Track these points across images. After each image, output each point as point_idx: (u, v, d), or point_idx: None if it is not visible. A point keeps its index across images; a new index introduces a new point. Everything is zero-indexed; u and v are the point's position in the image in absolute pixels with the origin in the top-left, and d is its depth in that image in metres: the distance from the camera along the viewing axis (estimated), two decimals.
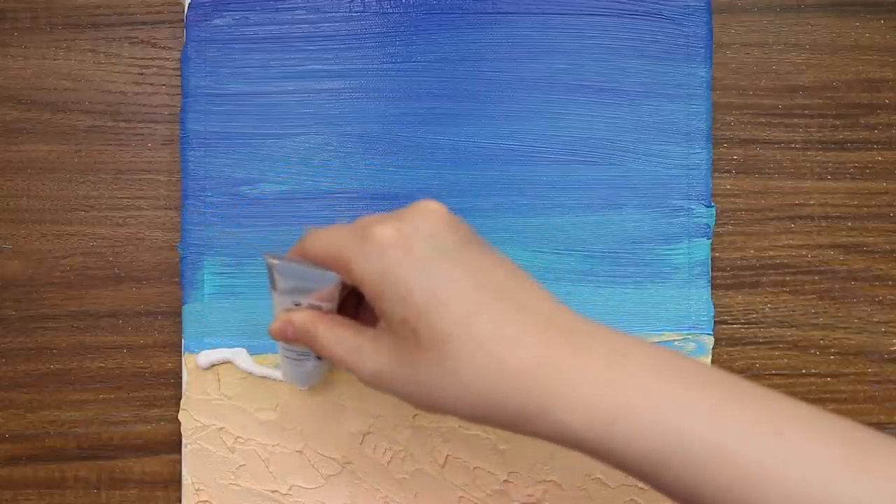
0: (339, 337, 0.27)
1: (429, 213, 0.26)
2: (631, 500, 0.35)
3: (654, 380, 0.23)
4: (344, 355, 0.27)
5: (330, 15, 0.37)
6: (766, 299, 0.38)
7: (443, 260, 0.25)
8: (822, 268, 0.38)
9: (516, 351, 0.24)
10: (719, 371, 0.25)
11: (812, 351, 0.38)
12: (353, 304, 0.30)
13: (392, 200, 0.36)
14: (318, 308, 0.29)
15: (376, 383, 0.26)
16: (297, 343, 0.29)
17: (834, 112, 0.38)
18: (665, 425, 0.23)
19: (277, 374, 0.36)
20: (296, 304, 0.29)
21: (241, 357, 0.36)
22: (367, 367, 0.26)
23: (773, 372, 0.38)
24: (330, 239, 0.27)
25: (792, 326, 0.38)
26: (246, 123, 0.37)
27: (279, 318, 0.29)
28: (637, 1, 0.36)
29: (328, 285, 0.28)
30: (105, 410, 0.38)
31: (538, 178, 0.36)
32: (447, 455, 0.36)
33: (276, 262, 0.28)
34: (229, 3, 0.37)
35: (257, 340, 0.36)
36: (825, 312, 0.38)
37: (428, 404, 0.25)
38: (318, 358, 0.31)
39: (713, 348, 0.36)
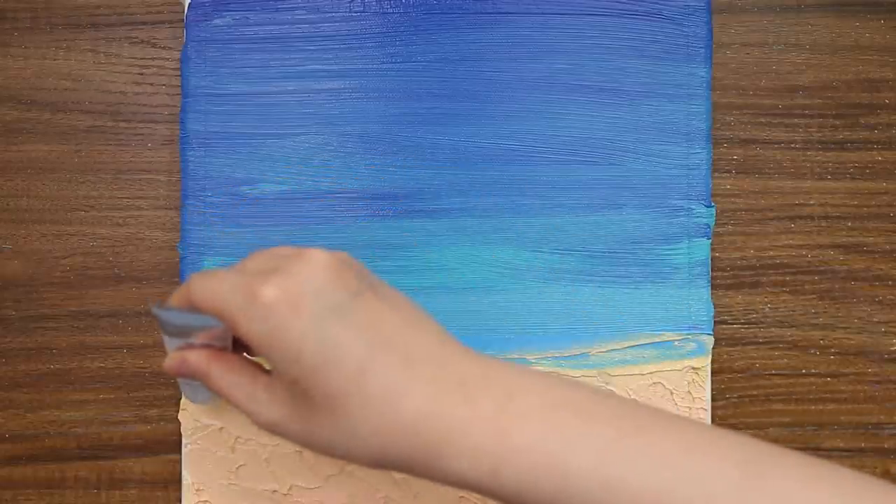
0: (233, 382, 0.27)
1: (315, 266, 0.25)
2: None
3: (543, 422, 0.23)
4: (238, 400, 0.27)
5: (330, 15, 0.37)
6: (766, 299, 0.38)
7: (331, 317, 0.24)
8: (822, 268, 0.38)
9: (407, 404, 0.24)
10: (621, 401, 0.25)
11: (812, 351, 0.38)
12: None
13: (392, 200, 0.36)
14: (211, 346, 0.28)
15: (271, 432, 0.26)
16: (193, 379, 0.29)
17: (834, 112, 0.38)
18: (552, 468, 0.23)
19: None
20: (189, 343, 0.28)
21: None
22: (262, 417, 0.26)
23: (773, 372, 0.38)
24: (214, 292, 0.26)
25: (792, 326, 0.38)
26: (246, 123, 0.37)
27: (173, 356, 0.28)
28: (637, 1, 0.36)
29: (217, 328, 0.27)
30: (105, 410, 0.38)
31: (538, 178, 0.36)
32: None
33: (160, 311, 0.27)
34: (229, 3, 0.37)
35: None
36: (825, 312, 0.38)
37: (325, 453, 0.26)
38: None
39: (713, 348, 0.36)
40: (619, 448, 0.23)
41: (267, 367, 0.27)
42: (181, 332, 0.28)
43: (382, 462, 0.24)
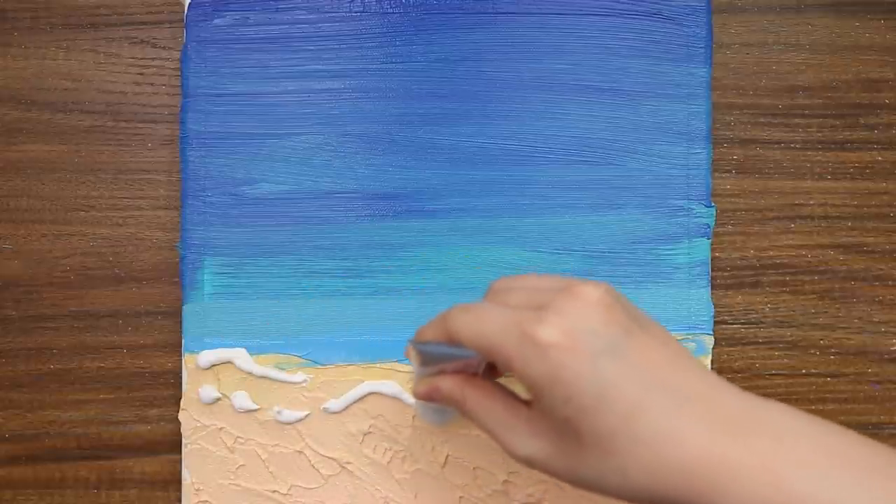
0: (490, 410, 0.27)
1: (588, 304, 0.25)
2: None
3: (819, 470, 0.23)
4: (494, 430, 0.27)
5: (330, 15, 0.37)
6: (766, 299, 0.38)
7: (607, 357, 0.24)
8: (822, 268, 0.38)
9: (680, 447, 0.23)
10: (886, 450, 0.24)
11: (812, 351, 0.38)
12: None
13: (392, 200, 0.36)
14: (463, 372, 0.28)
15: (528, 465, 0.26)
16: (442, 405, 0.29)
17: (834, 112, 0.38)
18: None
19: (277, 373, 0.36)
20: (440, 369, 0.28)
21: (241, 357, 0.36)
22: (520, 449, 0.26)
23: (773, 372, 0.38)
24: (483, 329, 0.26)
25: (792, 326, 0.38)
26: (246, 123, 0.37)
27: (425, 381, 0.28)
28: (637, 1, 0.36)
29: (473, 358, 0.27)
30: (105, 410, 0.38)
31: (538, 178, 0.36)
32: (447, 455, 0.36)
33: (423, 347, 0.27)
34: (229, 3, 0.37)
35: (257, 340, 0.36)
36: (825, 312, 0.38)
37: (588, 489, 0.25)
38: None
39: (713, 348, 0.36)
40: (891, 501, 0.22)
41: (524, 395, 0.27)
42: (434, 361, 0.28)
43: (651, 500, 0.24)
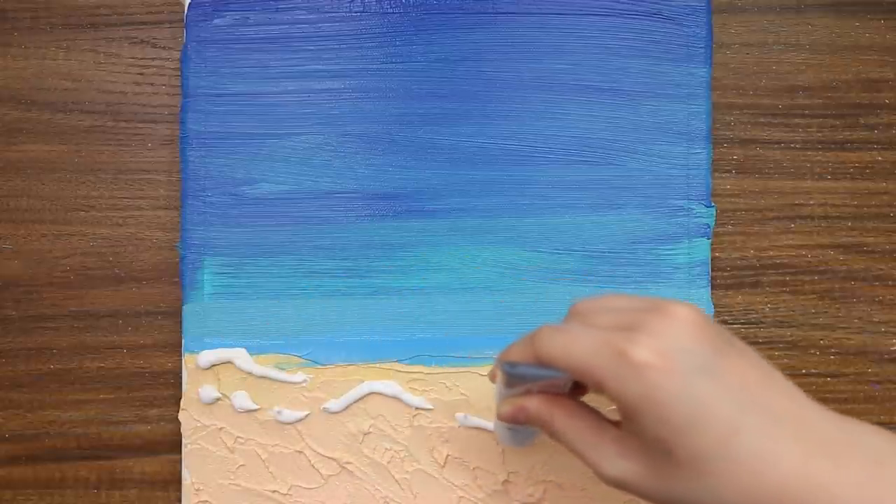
0: (578, 430, 0.27)
1: (681, 324, 0.25)
2: (630, 500, 0.35)
3: None
4: (583, 450, 0.27)
5: (330, 15, 0.37)
6: (766, 299, 0.38)
7: (702, 377, 0.24)
8: (822, 268, 0.38)
9: (776, 468, 0.23)
10: None
11: (812, 351, 0.38)
12: None
13: (392, 200, 0.36)
14: (548, 392, 0.28)
15: (617, 486, 0.26)
16: (526, 426, 0.29)
17: (834, 112, 0.38)
18: None
19: (277, 373, 0.36)
20: (526, 389, 0.28)
21: (241, 357, 0.36)
22: (610, 470, 0.26)
23: None
24: (575, 350, 0.26)
25: (792, 326, 0.38)
26: (246, 123, 0.37)
27: (510, 402, 0.28)
28: (637, 1, 0.36)
29: (560, 378, 0.27)
30: (105, 410, 0.38)
31: (538, 178, 0.36)
32: (447, 455, 0.36)
33: (513, 369, 0.27)
34: (229, 3, 0.37)
35: (257, 340, 0.36)
36: (825, 312, 0.38)
37: None
38: None
39: None
40: None
41: (611, 416, 0.27)
42: (521, 382, 0.28)
43: None
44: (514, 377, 0.27)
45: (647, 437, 0.25)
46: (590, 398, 0.29)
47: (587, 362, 0.25)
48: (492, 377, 0.30)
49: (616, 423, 0.27)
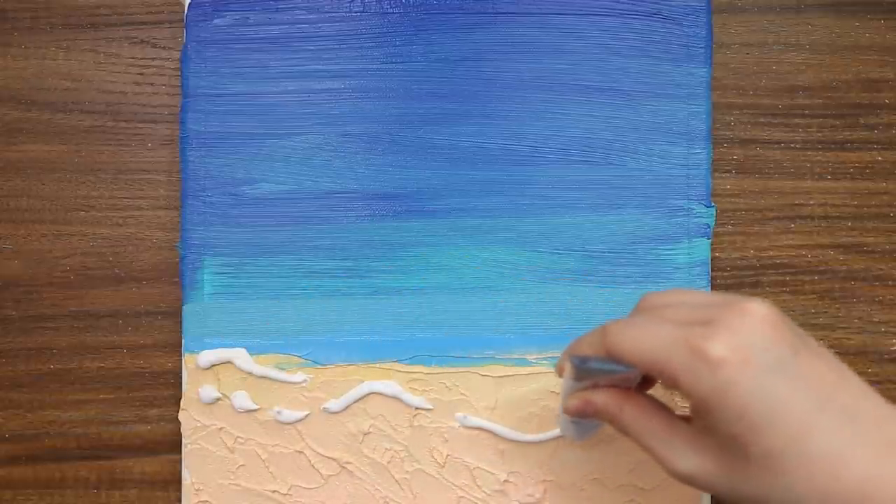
0: (648, 425, 0.27)
1: (757, 321, 0.25)
2: (631, 500, 0.35)
3: None
4: (653, 445, 0.27)
5: (330, 15, 0.37)
6: (767, 299, 0.38)
7: (778, 375, 0.24)
8: (822, 268, 0.38)
9: (851, 468, 0.23)
10: None
11: None
12: None
13: (392, 200, 0.36)
14: (618, 386, 0.28)
15: (687, 481, 0.26)
16: (592, 420, 0.29)
17: (834, 112, 0.38)
18: None
19: (277, 373, 0.36)
20: (594, 384, 0.28)
21: (241, 357, 0.36)
22: (681, 466, 0.26)
23: None
24: (647, 344, 0.25)
25: None
26: (246, 123, 0.37)
27: (578, 396, 0.28)
28: (637, 1, 0.36)
29: (629, 373, 0.27)
30: (105, 410, 0.38)
31: (538, 178, 0.36)
32: (447, 455, 0.36)
33: (583, 365, 0.27)
34: (229, 3, 0.37)
35: (257, 340, 0.36)
36: (825, 312, 0.38)
37: None
38: None
39: None
40: None
41: (679, 411, 0.27)
42: (591, 376, 0.28)
43: None
44: (583, 371, 0.27)
45: (719, 434, 0.25)
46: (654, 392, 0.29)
47: (660, 357, 0.25)
48: (559, 371, 0.30)
49: (686, 419, 0.27)
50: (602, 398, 0.28)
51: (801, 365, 0.24)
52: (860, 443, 0.23)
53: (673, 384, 0.25)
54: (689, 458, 0.26)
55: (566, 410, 0.29)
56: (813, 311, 0.38)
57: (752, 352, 0.24)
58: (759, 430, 0.24)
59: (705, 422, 0.25)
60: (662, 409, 0.27)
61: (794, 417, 0.24)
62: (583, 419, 0.30)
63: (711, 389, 0.24)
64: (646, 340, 0.25)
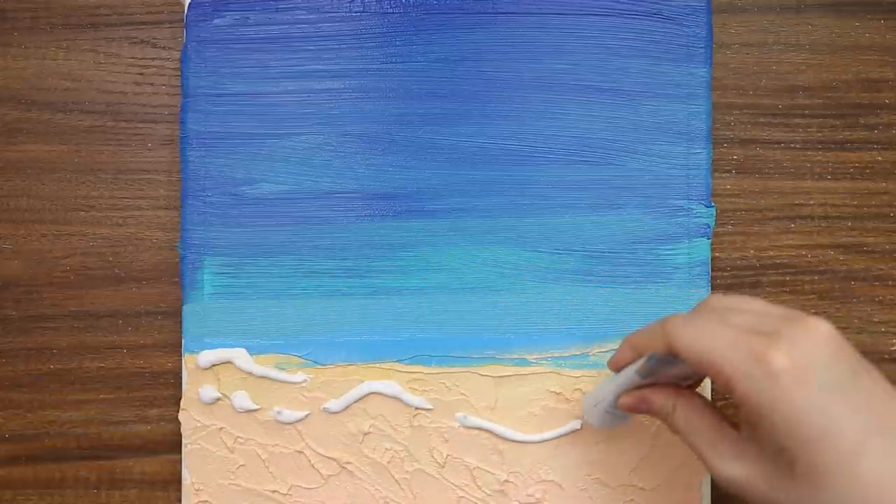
0: (698, 426, 0.27)
1: (821, 338, 0.25)
2: (631, 500, 0.35)
3: None
4: (700, 447, 0.27)
5: (330, 15, 0.37)
6: (766, 299, 0.38)
7: (836, 394, 0.24)
8: (822, 268, 0.38)
9: None
10: None
11: None
12: None
13: (392, 200, 0.36)
14: (673, 383, 0.28)
15: (727, 486, 0.26)
16: (645, 415, 0.29)
17: (834, 112, 0.38)
18: None
19: (277, 373, 0.36)
20: (651, 381, 0.28)
21: (241, 357, 0.36)
22: (723, 470, 0.26)
23: None
24: (709, 345, 0.26)
25: None
26: (246, 123, 0.37)
27: (634, 394, 0.29)
28: (637, 1, 0.36)
29: (684, 372, 0.27)
30: (105, 410, 0.38)
31: (538, 178, 0.36)
32: (447, 455, 0.36)
33: (653, 365, 0.27)
34: (229, 3, 0.37)
35: (257, 340, 0.36)
36: (825, 312, 0.38)
37: None
38: None
39: None
40: None
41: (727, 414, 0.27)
42: (654, 374, 0.28)
43: None
44: (654, 369, 0.27)
45: (767, 443, 0.25)
46: None
47: (719, 358, 0.25)
48: (616, 365, 0.30)
49: (734, 425, 0.27)
50: (659, 398, 0.28)
51: (858, 387, 0.25)
52: None
53: (727, 388, 0.25)
54: (734, 464, 0.26)
55: (621, 406, 0.29)
56: (813, 311, 0.38)
57: (813, 368, 0.24)
58: (809, 446, 0.24)
59: (755, 430, 0.25)
60: (714, 412, 0.28)
61: (847, 437, 0.24)
62: (614, 411, 0.30)
63: (767, 399, 0.24)
64: (707, 339, 0.26)
